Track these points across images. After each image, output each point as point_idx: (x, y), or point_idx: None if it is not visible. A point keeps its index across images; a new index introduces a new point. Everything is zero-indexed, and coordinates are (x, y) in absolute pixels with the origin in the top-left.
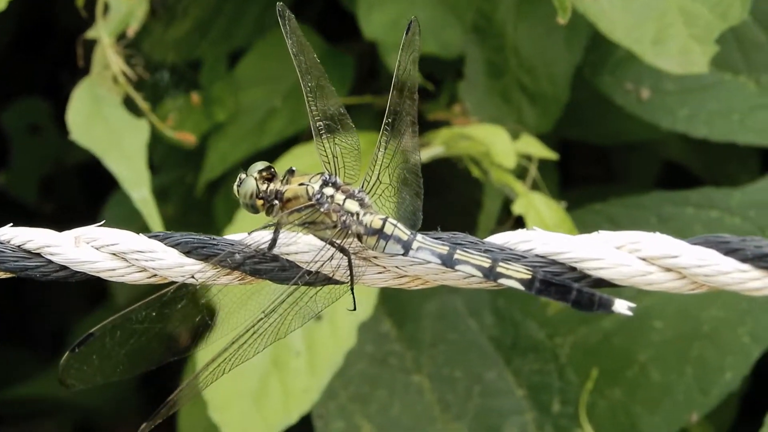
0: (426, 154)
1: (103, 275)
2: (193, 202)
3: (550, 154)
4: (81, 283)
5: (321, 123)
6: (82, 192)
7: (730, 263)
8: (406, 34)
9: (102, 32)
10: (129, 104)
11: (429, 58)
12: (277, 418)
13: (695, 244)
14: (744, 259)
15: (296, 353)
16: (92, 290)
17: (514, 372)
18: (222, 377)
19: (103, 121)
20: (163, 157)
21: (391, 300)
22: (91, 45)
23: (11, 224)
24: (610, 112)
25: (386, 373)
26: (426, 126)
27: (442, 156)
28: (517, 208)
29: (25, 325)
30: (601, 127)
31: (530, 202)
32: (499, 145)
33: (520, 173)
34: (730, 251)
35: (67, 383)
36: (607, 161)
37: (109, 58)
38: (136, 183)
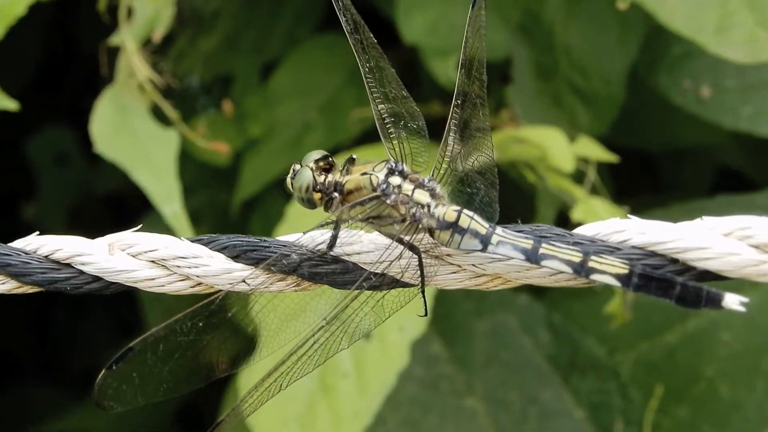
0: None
1: (141, 285)
2: (227, 224)
3: (610, 157)
4: (112, 316)
5: (383, 107)
6: (111, 221)
7: None
8: (472, 8)
9: (126, 38)
10: (157, 113)
11: None
12: None
13: None
14: None
15: (344, 374)
16: (123, 322)
17: (572, 392)
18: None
19: (130, 132)
20: (194, 177)
21: (441, 319)
22: (114, 53)
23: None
24: (663, 117)
25: (437, 397)
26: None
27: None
28: (576, 214)
29: (54, 362)
30: (655, 132)
31: (590, 207)
32: (555, 148)
33: (577, 178)
34: None
35: (104, 405)
36: (657, 170)
37: (134, 64)
38: (167, 197)
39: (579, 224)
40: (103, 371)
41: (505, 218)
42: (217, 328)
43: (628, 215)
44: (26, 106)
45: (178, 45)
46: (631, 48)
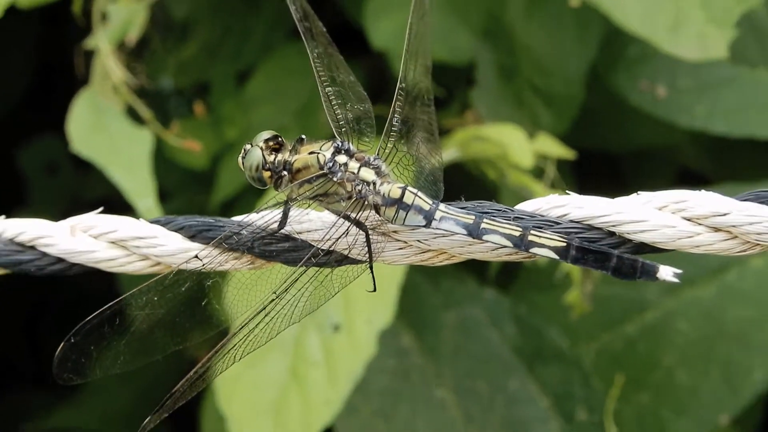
0: (443, 157)
1: (102, 266)
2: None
3: (568, 153)
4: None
5: (330, 89)
6: None
7: None
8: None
9: (100, 41)
10: (131, 114)
11: (439, 66)
12: (297, 431)
13: (744, 200)
14: None
15: (314, 364)
16: None
17: (537, 381)
18: (240, 391)
19: (105, 131)
20: (174, 181)
21: (411, 312)
22: (91, 56)
23: (3, 216)
24: (622, 118)
25: (408, 388)
26: (440, 133)
27: (456, 161)
28: None
29: (46, 364)
30: (614, 133)
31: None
32: (515, 145)
33: (537, 174)
34: None
35: (63, 377)
36: (619, 169)
37: (109, 67)
38: (141, 193)
39: None
40: (61, 345)
41: (460, 198)
42: (171, 302)
43: (567, 191)
44: (18, 117)
45: (152, 48)
46: (590, 49)
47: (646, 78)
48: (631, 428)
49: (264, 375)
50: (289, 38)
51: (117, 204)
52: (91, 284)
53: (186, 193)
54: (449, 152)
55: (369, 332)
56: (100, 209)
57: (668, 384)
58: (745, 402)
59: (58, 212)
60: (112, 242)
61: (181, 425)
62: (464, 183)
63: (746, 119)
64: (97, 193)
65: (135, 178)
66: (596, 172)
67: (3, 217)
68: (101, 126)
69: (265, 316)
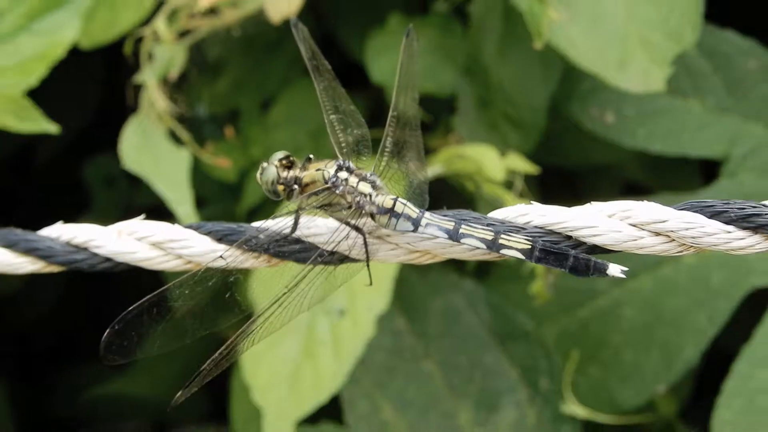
0: (429, 173)
1: (143, 264)
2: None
3: (533, 169)
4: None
5: (333, 116)
6: None
7: (715, 225)
8: (406, 38)
9: (147, 76)
10: (173, 136)
11: (427, 97)
12: (309, 399)
13: (681, 209)
14: (728, 221)
15: (323, 344)
16: None
17: (508, 357)
18: (262, 366)
19: (151, 151)
20: (210, 192)
21: (404, 300)
22: (139, 89)
23: (61, 222)
24: (578, 140)
25: (401, 363)
26: (427, 152)
27: (441, 175)
28: None
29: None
30: (572, 152)
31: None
32: (489, 162)
33: (508, 187)
34: (714, 214)
35: (108, 359)
36: (576, 183)
37: (154, 98)
38: (181, 201)
39: None
40: (107, 331)
41: (443, 207)
42: (200, 294)
43: (531, 201)
44: (85, 138)
45: (189, 82)
46: (551, 83)
47: (597, 107)
48: (585, 395)
49: (282, 353)
50: (304, 74)
51: (162, 211)
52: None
53: (220, 201)
54: (435, 168)
55: (369, 317)
56: (143, 216)
57: (615, 360)
58: (678, 375)
59: (114, 217)
60: (152, 244)
61: (215, 394)
62: (448, 193)
63: (680, 141)
64: (146, 201)
65: (175, 189)
66: (556, 184)
67: (61, 222)
68: (148, 147)
69: (279, 306)
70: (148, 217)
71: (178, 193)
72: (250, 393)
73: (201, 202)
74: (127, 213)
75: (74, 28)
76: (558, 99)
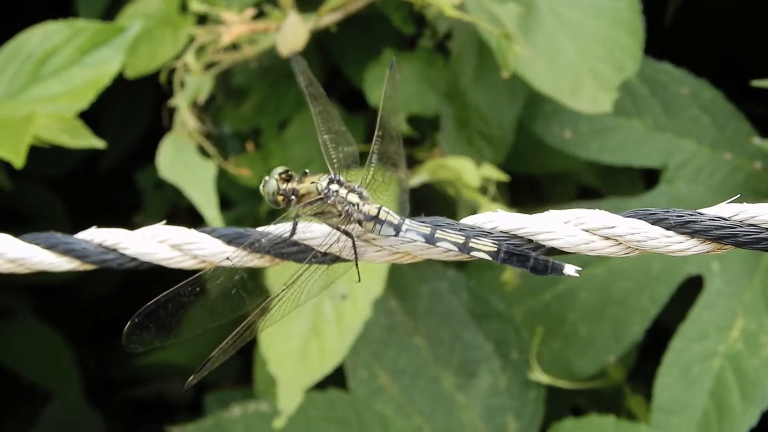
0: (416, 181)
1: (164, 263)
2: (259, 226)
3: (503, 176)
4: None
5: (326, 137)
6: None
7: (658, 231)
8: (390, 70)
9: (180, 101)
10: (201, 151)
11: (415, 117)
12: (316, 369)
13: (628, 216)
14: (669, 227)
15: (328, 322)
16: None
17: (484, 332)
18: (277, 342)
19: (183, 163)
20: (238, 195)
21: (396, 284)
22: (173, 111)
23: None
24: (542, 151)
25: (395, 337)
26: (415, 163)
27: (427, 182)
28: None
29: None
30: (536, 162)
31: (491, 210)
32: (466, 171)
33: (483, 192)
34: (656, 221)
35: (129, 347)
36: (540, 187)
37: (185, 118)
38: (207, 205)
39: None
40: (128, 323)
41: (421, 214)
42: (210, 291)
43: (498, 210)
44: (139, 149)
45: (216, 105)
46: (517, 106)
47: (557, 125)
48: (548, 365)
49: (293, 331)
50: None
51: (197, 212)
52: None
53: (246, 203)
54: (422, 176)
55: (366, 300)
56: (164, 221)
57: (573, 334)
58: (625, 347)
59: (162, 215)
60: (172, 246)
61: (248, 359)
62: (433, 197)
63: (625, 153)
64: (186, 203)
65: (203, 195)
66: (523, 189)
67: (95, 227)
68: (180, 159)
69: (278, 301)
70: (188, 216)
71: (205, 198)
72: (266, 364)
73: (230, 204)
74: (173, 212)
75: (118, 62)
76: (525, 119)
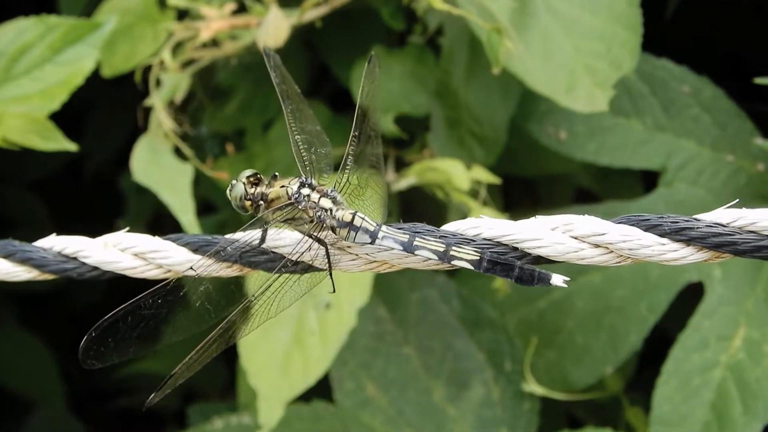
0: (404, 183)
1: (127, 273)
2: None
3: (494, 179)
4: None
5: (299, 137)
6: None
7: (651, 238)
8: (368, 65)
9: (156, 100)
10: (178, 153)
11: (404, 117)
12: (299, 381)
13: (619, 223)
14: (662, 234)
15: (312, 332)
16: None
17: (476, 342)
18: (257, 353)
19: (158, 165)
20: (219, 199)
21: (385, 292)
22: (148, 111)
23: (54, 233)
24: (537, 152)
25: (383, 346)
26: (404, 165)
27: (416, 184)
28: None
29: None
30: (531, 163)
31: (481, 215)
32: (456, 173)
33: (474, 195)
34: (650, 227)
35: (87, 363)
36: (536, 190)
37: (161, 119)
38: (184, 210)
39: None
40: (85, 338)
41: (433, 224)
42: (172, 303)
43: (481, 215)
44: (125, 153)
45: (194, 104)
46: (511, 105)
47: (553, 125)
48: (543, 375)
49: (274, 341)
50: None
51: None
52: None
53: (229, 207)
54: (409, 179)
55: (351, 310)
56: (127, 228)
57: (569, 344)
58: (624, 357)
59: (145, 219)
60: (134, 254)
61: (234, 369)
62: (422, 201)
63: (623, 154)
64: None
65: (180, 199)
66: (517, 191)
67: (54, 234)
68: (155, 161)
69: (247, 314)
70: (172, 221)
71: (181, 203)
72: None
73: (212, 208)
74: (156, 216)
75: (93, 59)
76: (519, 119)
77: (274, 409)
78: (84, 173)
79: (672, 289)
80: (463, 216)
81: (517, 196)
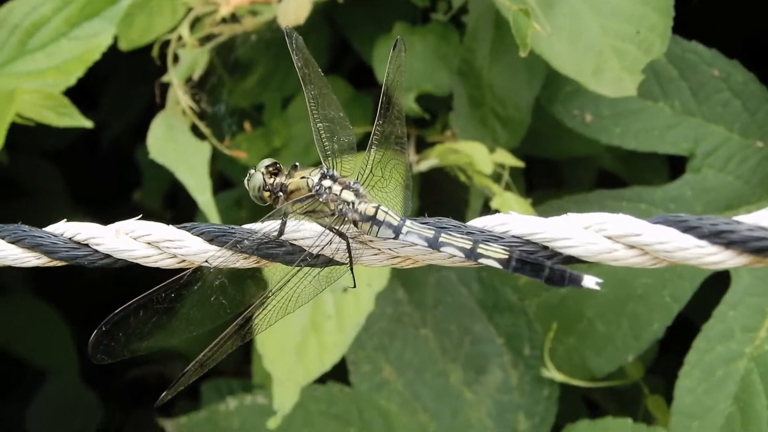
0: (425, 165)
1: (140, 261)
2: (260, 208)
3: (518, 163)
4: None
5: (321, 124)
6: (194, 204)
7: (689, 240)
8: (393, 49)
9: (173, 77)
10: (195, 131)
11: (426, 96)
12: (314, 366)
13: (655, 223)
14: (701, 236)
15: (328, 316)
16: None
17: (495, 326)
18: (272, 337)
19: (175, 143)
20: (237, 175)
21: (403, 274)
22: (166, 88)
23: (65, 219)
24: (561, 134)
25: (401, 329)
26: (425, 146)
27: (437, 166)
28: (494, 204)
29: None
30: (554, 145)
31: (504, 199)
32: (479, 157)
33: (496, 178)
34: (688, 229)
35: (96, 358)
36: (557, 172)
37: (179, 96)
38: (201, 190)
39: (496, 211)
40: (95, 332)
41: (455, 206)
42: (186, 297)
43: (510, 211)
44: (139, 125)
45: (212, 82)
46: (536, 86)
47: (578, 108)
48: (562, 362)
49: (290, 325)
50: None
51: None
52: None
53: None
54: (432, 160)
55: (369, 293)
56: (140, 216)
57: (590, 331)
58: (646, 345)
59: (162, 191)
60: (148, 243)
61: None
62: (443, 182)
63: (650, 139)
64: None
65: (196, 178)
66: (540, 173)
67: (65, 220)
68: (172, 139)
69: (263, 309)
70: (188, 196)
71: (198, 182)
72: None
73: (229, 184)
74: (173, 189)
75: (110, 35)
76: (543, 100)
77: (289, 394)
78: (101, 144)
79: (697, 278)
80: (486, 199)
81: (539, 178)
